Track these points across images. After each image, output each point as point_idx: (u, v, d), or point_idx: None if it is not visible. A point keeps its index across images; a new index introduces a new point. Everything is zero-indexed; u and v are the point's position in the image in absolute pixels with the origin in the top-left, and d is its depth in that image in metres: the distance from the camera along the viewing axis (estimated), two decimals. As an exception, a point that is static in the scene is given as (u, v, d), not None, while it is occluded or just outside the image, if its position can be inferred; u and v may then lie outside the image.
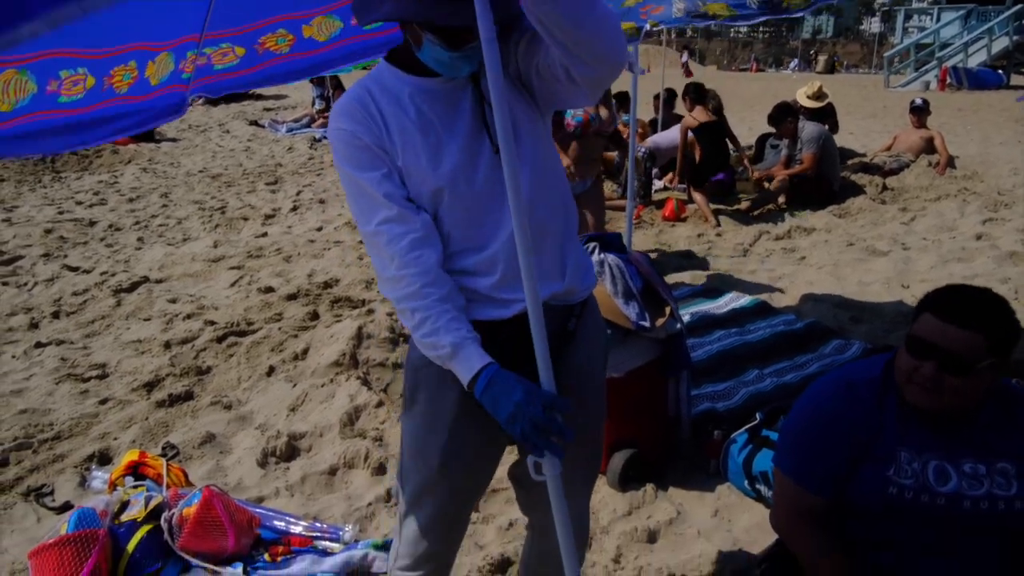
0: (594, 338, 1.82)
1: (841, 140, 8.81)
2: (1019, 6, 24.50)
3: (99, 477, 3.00)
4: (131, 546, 2.32)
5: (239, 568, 2.37)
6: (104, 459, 3.24)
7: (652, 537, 2.68)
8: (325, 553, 2.50)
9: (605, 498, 2.87)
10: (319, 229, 6.91)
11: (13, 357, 4.36)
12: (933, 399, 1.71)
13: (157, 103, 2.32)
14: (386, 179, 1.54)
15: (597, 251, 2.83)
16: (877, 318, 4.38)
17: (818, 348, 4.03)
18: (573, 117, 4.43)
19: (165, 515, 2.40)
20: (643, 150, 7.27)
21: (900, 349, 1.80)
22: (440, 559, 1.86)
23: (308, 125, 13.32)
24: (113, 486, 2.62)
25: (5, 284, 5.62)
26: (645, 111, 10.98)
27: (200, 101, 18.50)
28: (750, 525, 2.71)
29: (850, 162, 8.30)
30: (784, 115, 7.08)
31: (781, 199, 6.95)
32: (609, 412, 2.84)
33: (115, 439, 3.39)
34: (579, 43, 1.38)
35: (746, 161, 7.90)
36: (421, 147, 1.54)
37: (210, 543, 2.37)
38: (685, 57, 29.59)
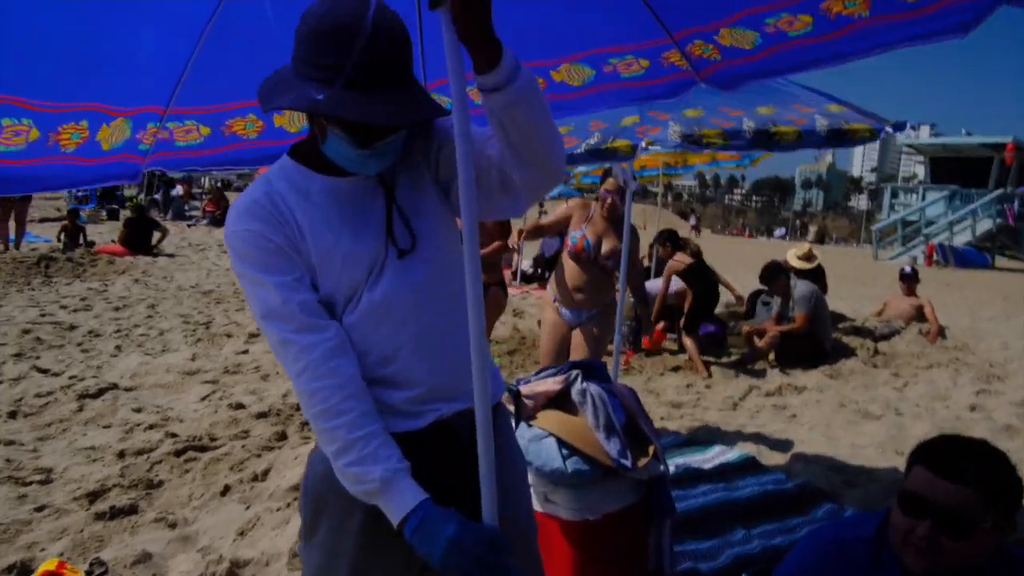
0: (511, 447, 1.70)
1: (831, 304, 8.84)
2: (1000, 191, 25.63)
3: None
4: None
5: None
6: (25, 571, 2.93)
7: None
8: None
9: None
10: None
11: (-45, 455, 4.10)
12: (932, 563, 1.54)
13: (106, 169, 2.25)
14: (298, 283, 1.42)
15: (579, 379, 2.69)
16: (872, 483, 4.17)
17: (810, 511, 3.80)
18: (571, 237, 4.38)
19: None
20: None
21: (894, 506, 1.64)
22: None
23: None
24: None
25: (-33, 380, 5.40)
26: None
27: (204, 221, 18.93)
28: None
29: (841, 325, 8.30)
30: (776, 273, 7.13)
31: (771, 356, 6.88)
32: (583, 559, 2.62)
33: (42, 550, 3.09)
34: (531, 146, 1.38)
35: (737, 291, 7.94)
36: (333, 248, 1.43)
37: None
38: (694, 221, 30.92)
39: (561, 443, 2.59)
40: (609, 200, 4.34)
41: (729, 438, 4.80)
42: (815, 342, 6.91)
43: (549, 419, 2.67)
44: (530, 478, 2.65)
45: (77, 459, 4.10)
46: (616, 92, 2.57)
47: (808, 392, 5.98)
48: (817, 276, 8.29)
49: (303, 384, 1.41)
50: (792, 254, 8.56)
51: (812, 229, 42.73)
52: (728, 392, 5.93)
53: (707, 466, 4.29)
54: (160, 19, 1.94)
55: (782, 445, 4.74)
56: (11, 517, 3.41)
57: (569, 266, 4.42)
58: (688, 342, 6.69)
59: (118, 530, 3.33)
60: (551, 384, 2.73)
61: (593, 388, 2.69)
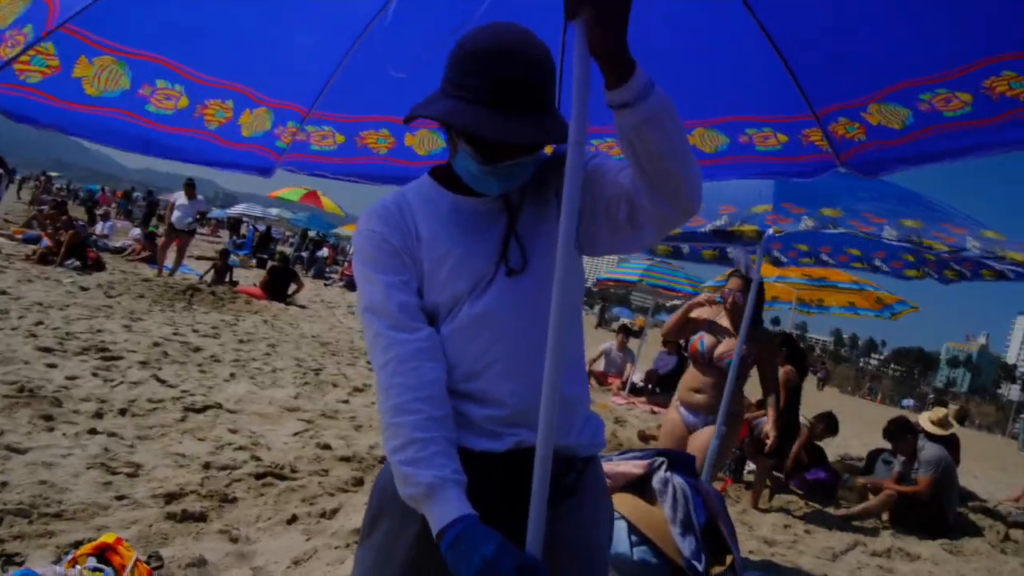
0: (597, 502, 1.58)
1: (962, 480, 8.06)
2: None
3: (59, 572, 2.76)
4: None
5: None
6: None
7: None
8: None
9: None
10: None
11: (64, 435, 4.34)
12: None
13: (242, 157, 2.35)
14: (404, 286, 1.46)
15: (664, 468, 2.54)
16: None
17: None
18: (727, 361, 4.19)
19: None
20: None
21: None
22: None
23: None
24: (74, 562, 2.39)
25: (96, 375, 5.77)
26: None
27: (341, 283, 19.89)
28: None
29: (970, 504, 7.52)
30: (903, 431, 6.61)
31: (885, 516, 6.29)
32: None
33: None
34: (663, 172, 1.33)
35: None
36: (444, 258, 1.47)
37: None
38: (822, 373, 29.51)
39: (632, 529, 2.43)
40: (731, 298, 4.21)
41: (822, 589, 4.36)
42: (938, 511, 6.27)
43: (624, 502, 2.53)
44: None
45: (166, 462, 4.24)
46: (749, 165, 2.49)
47: (921, 562, 5.38)
48: (950, 447, 7.61)
49: (384, 378, 1.42)
50: (926, 417, 7.92)
51: (953, 407, 39.40)
52: (830, 543, 5.43)
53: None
54: (324, 16, 2.06)
55: (882, 610, 4.25)
56: (92, 499, 3.54)
57: (690, 368, 4.31)
58: (759, 463, 6.18)
59: (183, 532, 3.38)
60: (632, 467, 2.60)
61: (677, 480, 2.54)
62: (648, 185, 1.35)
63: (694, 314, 4.44)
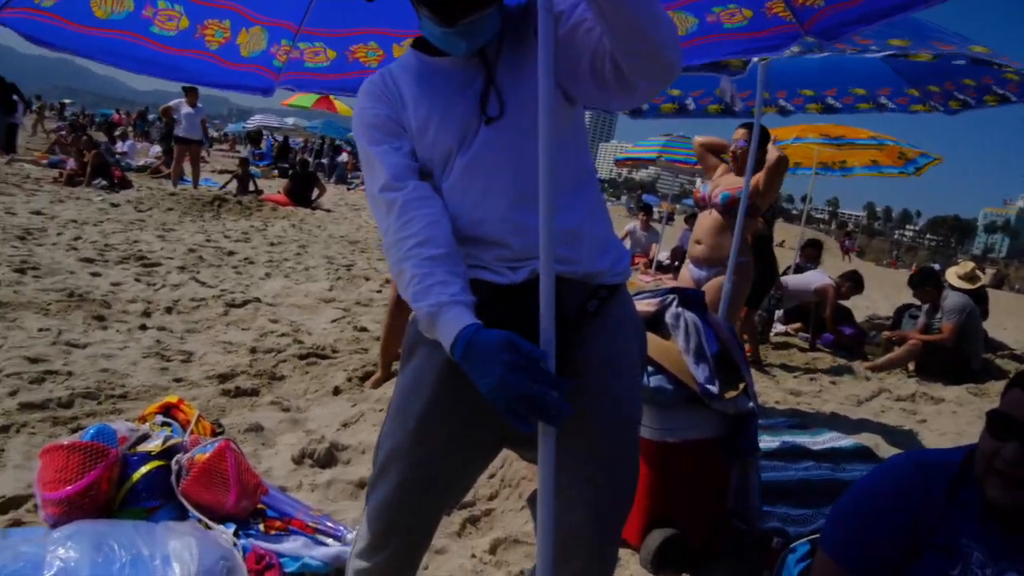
0: (624, 329, 1.62)
1: (991, 332, 8.15)
2: None
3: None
4: (136, 476, 2.28)
5: (231, 529, 2.27)
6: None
7: (675, 629, 2.36)
8: (320, 543, 2.36)
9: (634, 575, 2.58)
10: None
11: (117, 332, 4.60)
12: (1015, 494, 1.44)
13: (244, 78, 2.42)
14: (395, 151, 1.53)
15: (675, 304, 2.67)
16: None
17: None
18: (721, 195, 4.30)
19: (178, 457, 2.36)
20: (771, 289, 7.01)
21: (982, 433, 1.54)
22: (399, 547, 1.63)
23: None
24: (143, 420, 2.63)
25: (138, 280, 6.03)
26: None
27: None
28: (793, 647, 2.32)
29: (998, 353, 7.64)
30: (926, 279, 6.67)
31: (911, 366, 6.44)
32: (658, 481, 2.61)
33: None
34: (635, 33, 1.33)
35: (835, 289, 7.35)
36: (429, 115, 1.53)
37: (211, 495, 2.29)
38: (849, 243, 29.25)
39: (647, 360, 2.59)
40: (734, 147, 4.30)
41: (846, 428, 4.56)
42: (962, 359, 6.40)
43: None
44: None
45: (215, 349, 4.50)
46: (720, 44, 2.49)
47: (945, 404, 5.56)
48: (977, 300, 7.66)
49: (387, 239, 1.50)
50: (952, 272, 7.96)
51: (989, 272, 39.07)
52: (855, 391, 5.62)
53: (816, 447, 4.10)
54: None
55: (903, 443, 4.45)
56: (152, 382, 3.81)
57: (697, 221, 4.45)
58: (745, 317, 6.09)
59: (239, 406, 3.64)
60: (645, 305, 2.73)
61: (688, 315, 2.67)
62: (623, 47, 1.36)
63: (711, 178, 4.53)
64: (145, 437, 2.41)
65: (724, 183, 4.37)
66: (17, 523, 2.40)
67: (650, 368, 2.56)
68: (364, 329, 5.28)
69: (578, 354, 1.55)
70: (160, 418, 2.60)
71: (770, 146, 4.40)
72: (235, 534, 2.25)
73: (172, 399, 2.73)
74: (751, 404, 2.67)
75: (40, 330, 4.34)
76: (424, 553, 1.73)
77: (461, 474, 1.67)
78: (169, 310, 5.29)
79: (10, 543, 1.93)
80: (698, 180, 4.42)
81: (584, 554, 1.53)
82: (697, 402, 2.60)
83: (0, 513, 2.45)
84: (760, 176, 4.27)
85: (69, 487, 2.14)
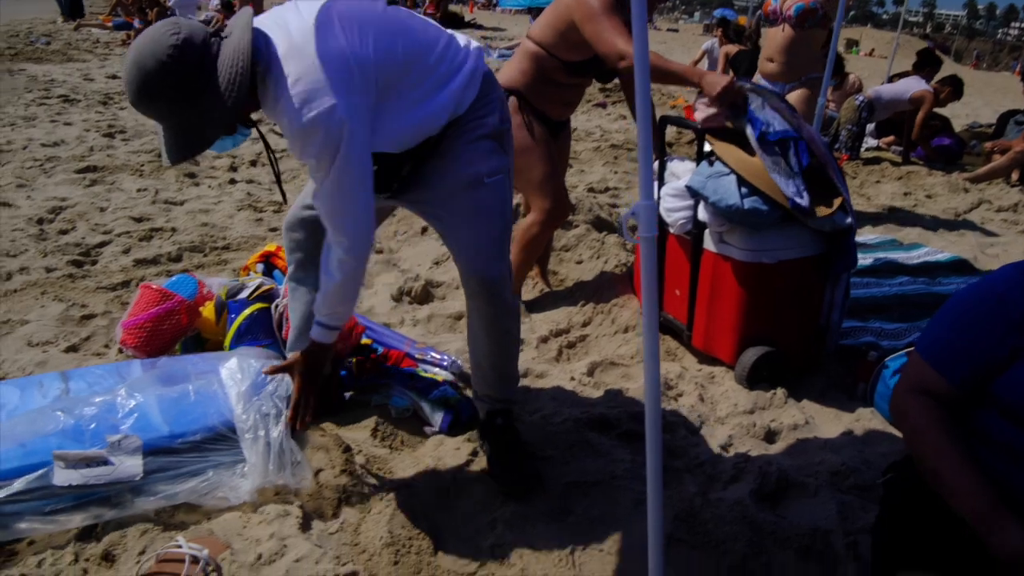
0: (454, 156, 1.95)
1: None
2: None
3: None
4: (240, 319, 2.44)
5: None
6: (258, 268, 3.45)
7: (770, 437, 2.45)
8: (419, 378, 2.48)
9: (728, 392, 2.66)
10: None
11: (209, 187, 4.76)
12: None
13: None
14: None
15: (761, 107, 2.56)
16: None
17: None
18: (795, 7, 4.02)
19: (277, 302, 2.50)
20: (861, 99, 6.62)
21: None
22: None
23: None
24: (246, 271, 2.78)
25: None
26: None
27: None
28: (889, 451, 2.39)
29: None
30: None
31: (1014, 176, 6.09)
32: (752, 303, 2.63)
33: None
34: None
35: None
36: None
37: None
38: (931, 44, 27.04)
39: (741, 181, 2.53)
40: None
41: (942, 243, 4.43)
42: (1072, 164, 6.01)
43: (730, 155, 2.59)
44: (706, 216, 2.64)
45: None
46: None
47: (1051, 212, 5.30)
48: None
49: None
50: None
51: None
52: (952, 204, 5.40)
53: (911, 262, 4.01)
54: None
55: (1005, 255, 4.31)
56: (250, 232, 3.96)
57: (768, 37, 4.21)
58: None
59: (334, 250, 3.77)
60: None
61: (778, 124, 2.56)
62: None
63: None
64: (241, 288, 2.56)
65: None
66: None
67: (744, 189, 2.50)
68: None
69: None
70: (260, 267, 2.73)
71: None
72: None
73: (271, 247, 2.85)
74: (849, 220, 2.60)
75: (138, 191, 4.53)
76: None
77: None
78: (253, 163, 5.41)
79: (78, 388, 2.12)
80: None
81: (475, 291, 2.01)
82: (792, 221, 2.56)
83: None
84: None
85: (141, 315, 2.42)
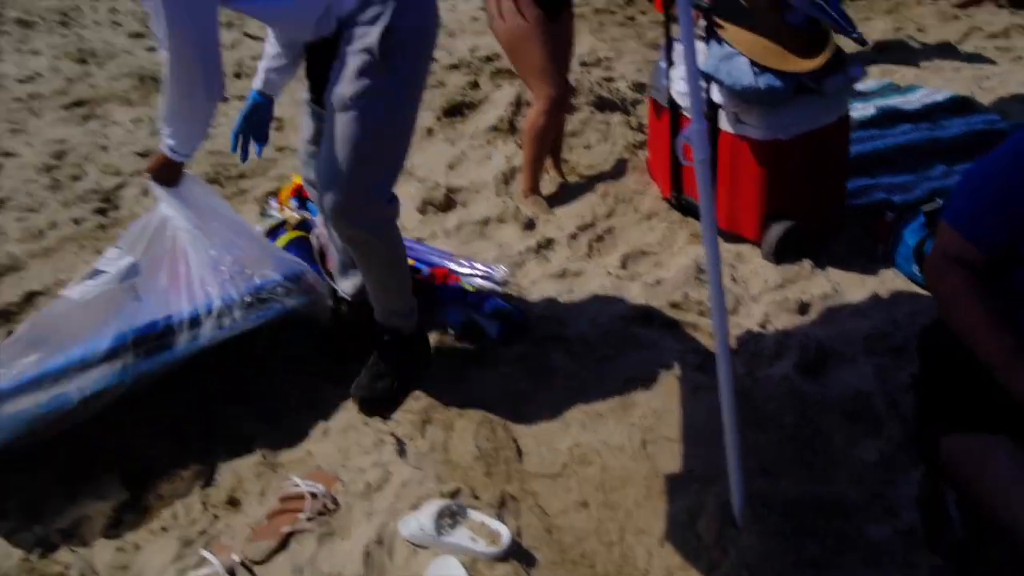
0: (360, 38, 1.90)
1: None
2: None
3: (274, 207, 3.24)
4: (281, 242, 2.54)
5: None
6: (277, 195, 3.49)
7: (803, 309, 2.62)
8: (468, 292, 2.61)
9: (757, 269, 2.81)
10: (483, 8, 6.72)
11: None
12: None
13: None
14: None
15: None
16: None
17: (1022, 150, 3.59)
18: None
19: (315, 231, 2.58)
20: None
21: None
22: None
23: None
24: (282, 207, 2.87)
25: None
26: None
27: None
28: (914, 311, 2.56)
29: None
30: None
31: (1004, -6, 5.99)
32: (772, 180, 2.73)
33: (288, 181, 3.62)
34: None
35: None
36: None
37: None
38: None
39: (752, 64, 2.57)
40: None
41: (939, 81, 4.46)
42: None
43: (741, 37, 2.62)
44: (720, 98, 2.69)
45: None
46: None
47: (1042, 30, 5.28)
48: None
49: None
50: None
51: None
52: (942, 34, 5.37)
53: (910, 107, 4.04)
54: None
55: (1001, 87, 4.36)
56: (264, 157, 3.95)
57: None
58: None
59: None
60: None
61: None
62: None
63: None
64: (283, 224, 2.66)
65: None
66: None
67: (755, 69, 2.54)
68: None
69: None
70: (294, 202, 2.81)
71: None
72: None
73: (298, 180, 2.90)
74: (860, 70, 2.68)
75: (132, 121, 4.46)
76: None
77: None
78: (237, 75, 5.28)
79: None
80: None
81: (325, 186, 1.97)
82: (807, 92, 2.62)
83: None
84: None
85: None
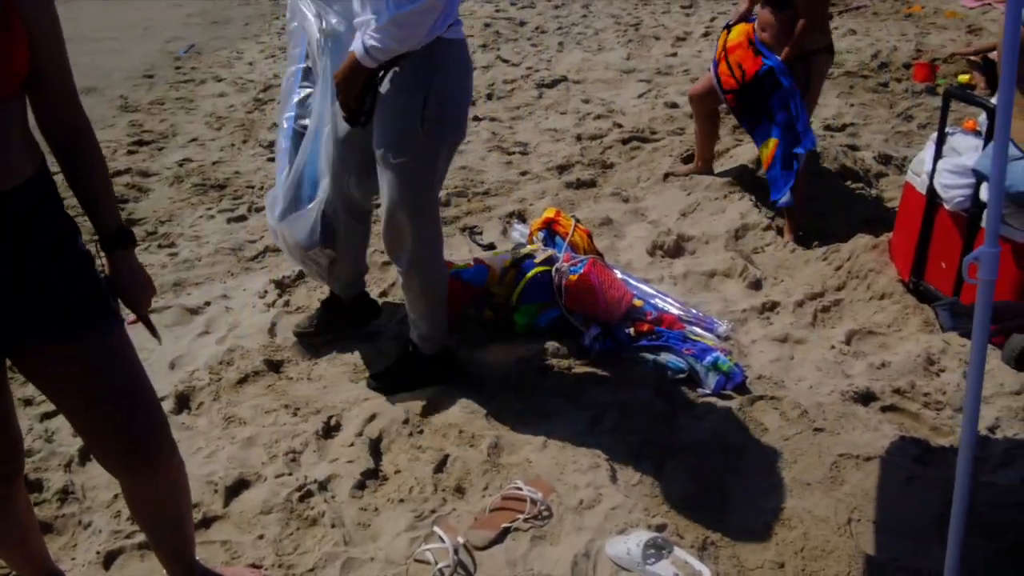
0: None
1: None
2: None
3: (518, 230, 3.54)
4: (529, 275, 2.78)
5: (598, 331, 2.72)
6: (521, 217, 3.79)
7: (1041, 422, 2.50)
8: (691, 341, 2.73)
9: (993, 371, 2.70)
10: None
11: (456, 125, 5.14)
12: None
13: None
14: None
15: None
16: None
17: None
18: None
19: (558, 266, 2.79)
20: None
21: None
22: None
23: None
24: (531, 237, 3.13)
25: (452, 65, 6.49)
26: None
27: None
28: None
29: None
30: None
31: None
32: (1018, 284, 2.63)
33: (531, 204, 3.93)
34: None
35: None
36: None
37: (582, 307, 2.77)
38: None
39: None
40: None
41: None
42: None
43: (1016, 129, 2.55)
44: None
45: (544, 137, 4.89)
46: None
47: None
48: None
49: None
50: None
51: None
52: None
53: None
54: None
55: None
56: (504, 177, 4.31)
57: None
58: None
59: (583, 197, 4.04)
60: None
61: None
62: None
63: None
64: (529, 255, 2.89)
65: None
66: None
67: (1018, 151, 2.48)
68: (674, 105, 5.35)
69: None
70: (542, 234, 3.06)
71: None
72: (601, 336, 2.71)
73: (551, 213, 3.16)
74: None
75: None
76: None
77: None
78: (490, 96, 5.73)
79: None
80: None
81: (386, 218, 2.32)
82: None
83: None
84: None
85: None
